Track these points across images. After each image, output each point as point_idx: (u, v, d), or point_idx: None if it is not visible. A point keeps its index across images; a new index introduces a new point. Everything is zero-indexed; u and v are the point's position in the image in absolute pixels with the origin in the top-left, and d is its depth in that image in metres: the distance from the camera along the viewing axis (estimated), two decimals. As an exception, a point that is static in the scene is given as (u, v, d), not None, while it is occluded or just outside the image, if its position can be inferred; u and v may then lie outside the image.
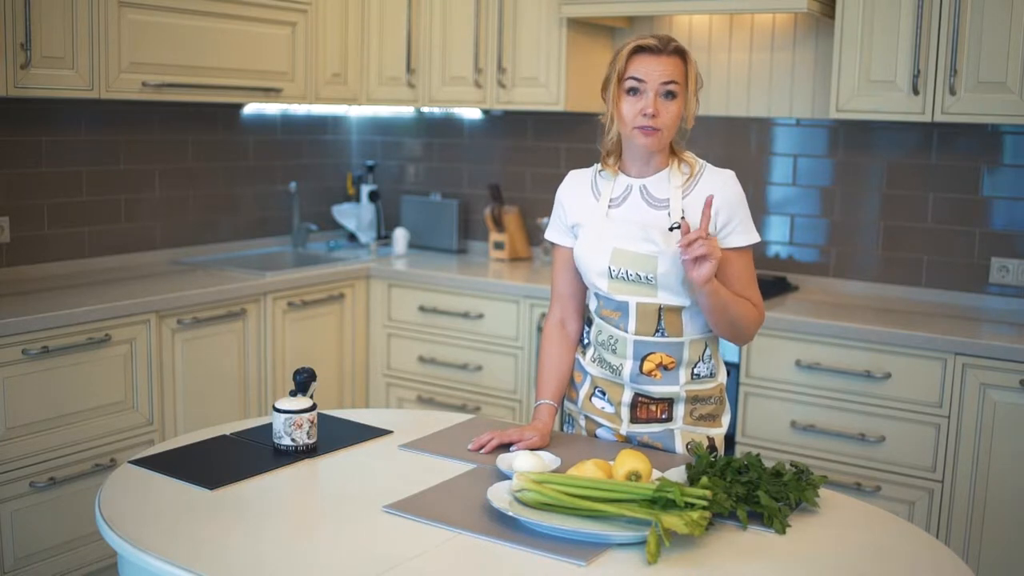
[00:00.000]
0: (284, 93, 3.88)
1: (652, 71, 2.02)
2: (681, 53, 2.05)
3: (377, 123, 4.70)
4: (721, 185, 2.09)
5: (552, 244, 2.27)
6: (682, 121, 2.07)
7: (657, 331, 2.09)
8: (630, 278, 2.08)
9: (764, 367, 3.19)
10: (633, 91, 2.03)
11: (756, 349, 3.19)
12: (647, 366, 2.11)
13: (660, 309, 2.08)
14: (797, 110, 3.68)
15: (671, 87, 2.02)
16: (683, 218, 2.03)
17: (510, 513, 1.68)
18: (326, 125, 4.59)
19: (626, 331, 2.10)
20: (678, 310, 2.09)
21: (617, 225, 2.10)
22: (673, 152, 2.13)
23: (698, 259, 1.93)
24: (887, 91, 3.19)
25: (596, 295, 2.17)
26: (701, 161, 2.14)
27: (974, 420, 2.90)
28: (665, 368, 2.11)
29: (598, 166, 2.19)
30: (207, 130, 4.04)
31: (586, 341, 2.23)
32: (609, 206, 2.13)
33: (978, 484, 2.91)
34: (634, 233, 2.07)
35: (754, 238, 2.11)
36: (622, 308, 2.11)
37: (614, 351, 2.13)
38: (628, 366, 2.12)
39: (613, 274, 2.09)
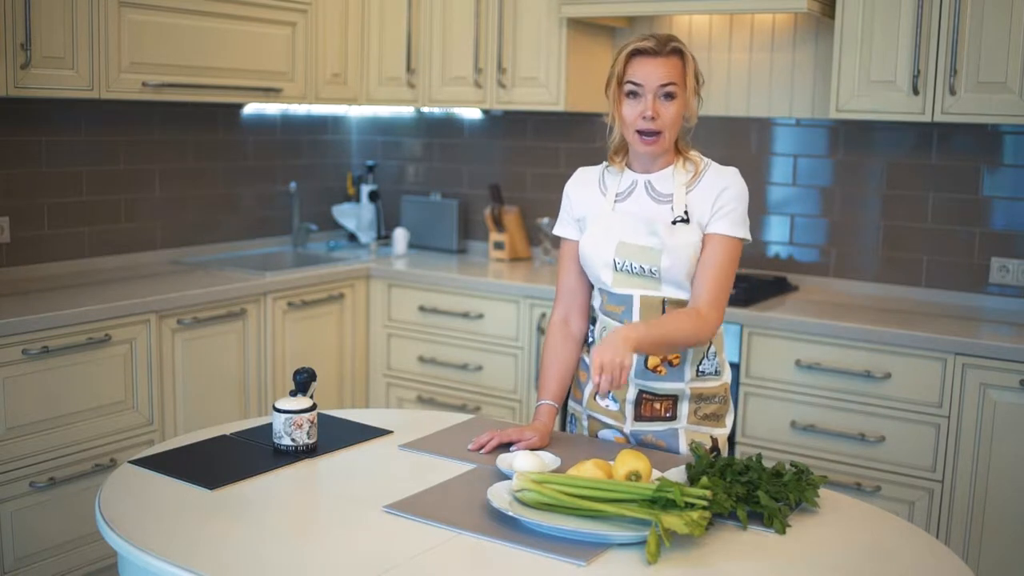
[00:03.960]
0: (284, 93, 3.88)
1: (649, 74, 2.04)
2: (679, 53, 2.06)
3: (377, 123, 4.70)
4: (728, 177, 2.10)
5: (560, 239, 2.27)
6: (685, 120, 2.09)
7: None
8: (634, 271, 2.09)
9: (764, 367, 3.19)
10: (632, 94, 2.06)
11: (756, 349, 3.19)
12: (652, 361, 2.11)
13: (664, 302, 2.09)
14: (797, 110, 3.67)
15: (669, 88, 2.04)
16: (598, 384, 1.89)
17: (510, 513, 1.68)
18: (326, 125, 4.59)
19: (630, 325, 2.11)
20: (682, 304, 2.09)
21: (622, 218, 2.12)
22: (678, 151, 2.14)
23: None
24: (887, 91, 3.19)
25: (600, 290, 2.18)
26: (706, 159, 2.15)
27: (974, 420, 2.90)
28: (670, 363, 2.12)
29: (606, 163, 2.22)
30: (207, 130, 4.04)
31: (591, 340, 2.23)
32: (615, 200, 2.15)
33: (978, 484, 2.91)
34: (638, 227, 2.09)
35: (738, 232, 2.09)
36: (625, 302, 2.11)
37: (618, 346, 2.13)
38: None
39: (618, 266, 2.10)
